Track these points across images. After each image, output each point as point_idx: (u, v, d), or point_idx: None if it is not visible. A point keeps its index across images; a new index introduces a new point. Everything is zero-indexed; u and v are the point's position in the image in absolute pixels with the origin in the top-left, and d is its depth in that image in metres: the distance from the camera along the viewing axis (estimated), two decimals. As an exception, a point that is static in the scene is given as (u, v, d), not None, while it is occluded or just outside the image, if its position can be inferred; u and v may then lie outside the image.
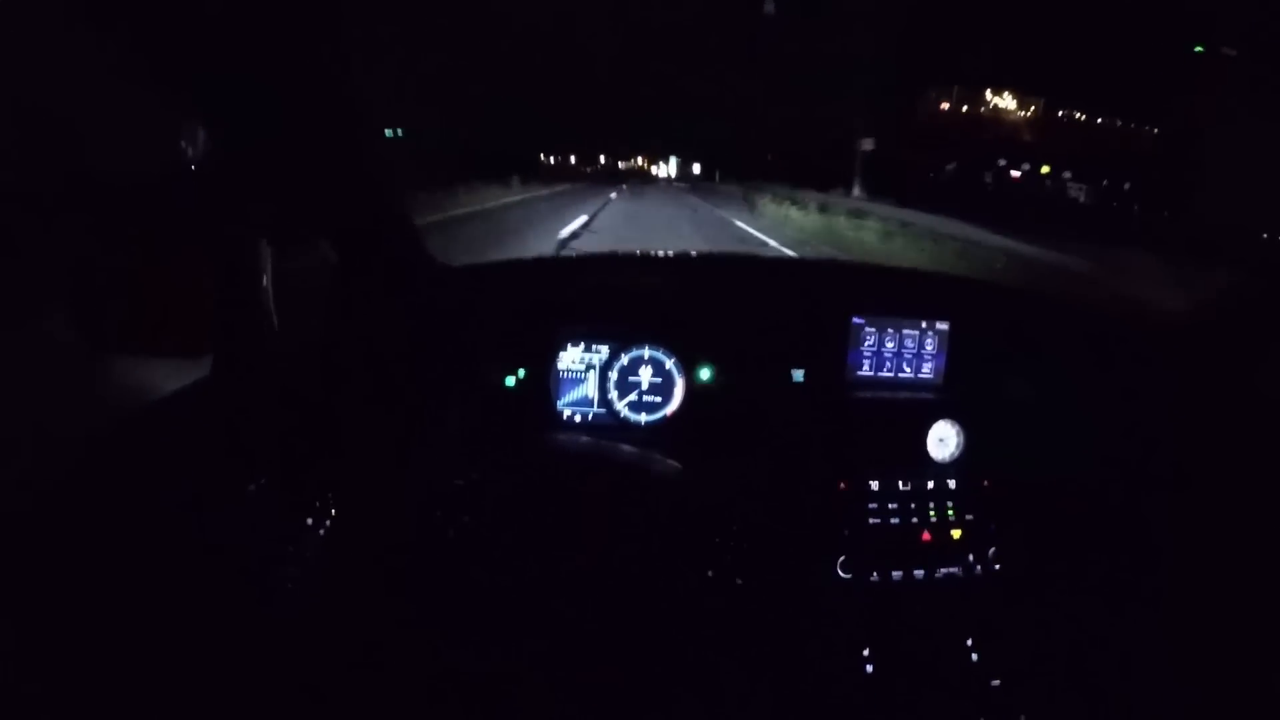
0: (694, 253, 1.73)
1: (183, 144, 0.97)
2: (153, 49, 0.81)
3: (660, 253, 1.72)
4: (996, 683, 1.30)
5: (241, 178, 0.99)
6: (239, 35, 0.83)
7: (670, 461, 1.23)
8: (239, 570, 0.92)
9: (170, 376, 0.97)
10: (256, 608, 0.93)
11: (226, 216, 0.98)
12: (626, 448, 1.23)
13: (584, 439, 1.27)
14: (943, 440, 1.44)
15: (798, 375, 1.45)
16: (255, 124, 0.95)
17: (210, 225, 0.96)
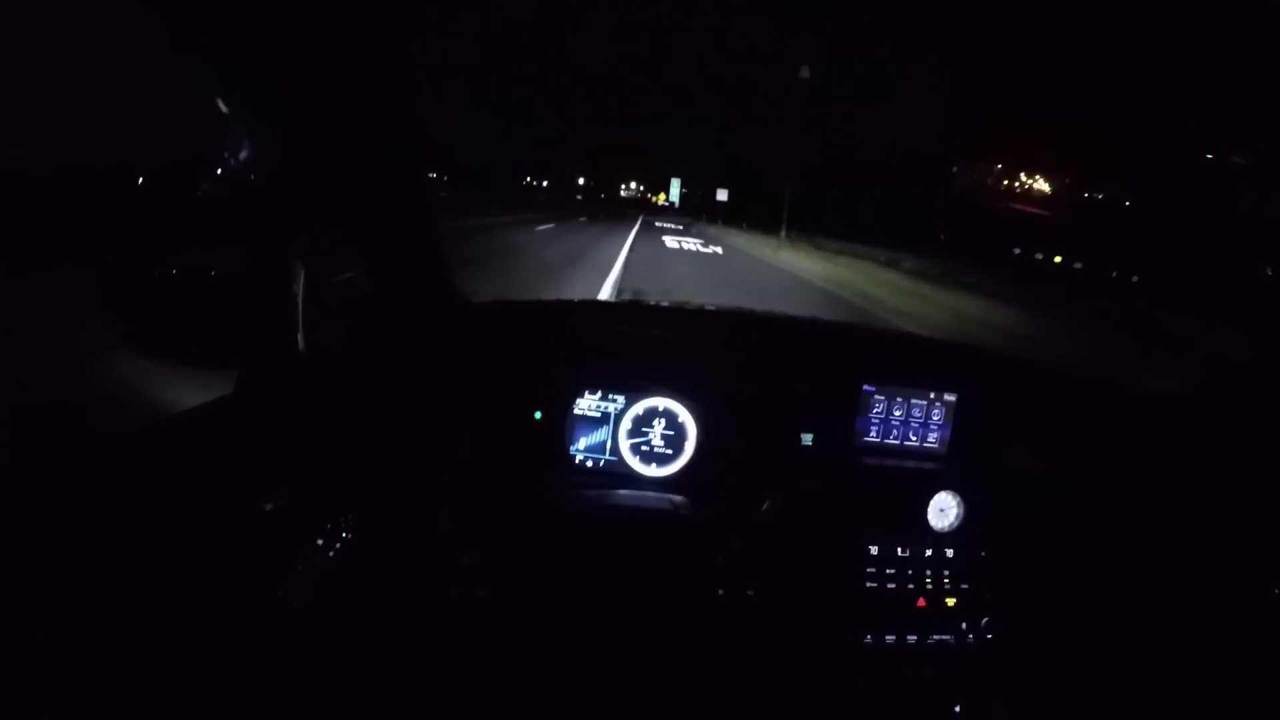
0: (714, 307, 1.80)
1: (227, 155, 1.04)
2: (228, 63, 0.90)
3: (681, 305, 1.80)
4: None
5: (283, 193, 1.08)
6: (301, 53, 0.92)
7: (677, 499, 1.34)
8: (249, 585, 0.97)
9: (197, 390, 1.02)
10: (264, 623, 0.98)
11: (264, 233, 1.05)
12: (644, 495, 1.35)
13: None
14: (943, 510, 1.52)
15: (807, 439, 1.53)
16: (304, 142, 1.03)
17: (249, 241, 1.03)
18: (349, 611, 1.11)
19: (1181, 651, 1.48)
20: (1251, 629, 1.45)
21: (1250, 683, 1.42)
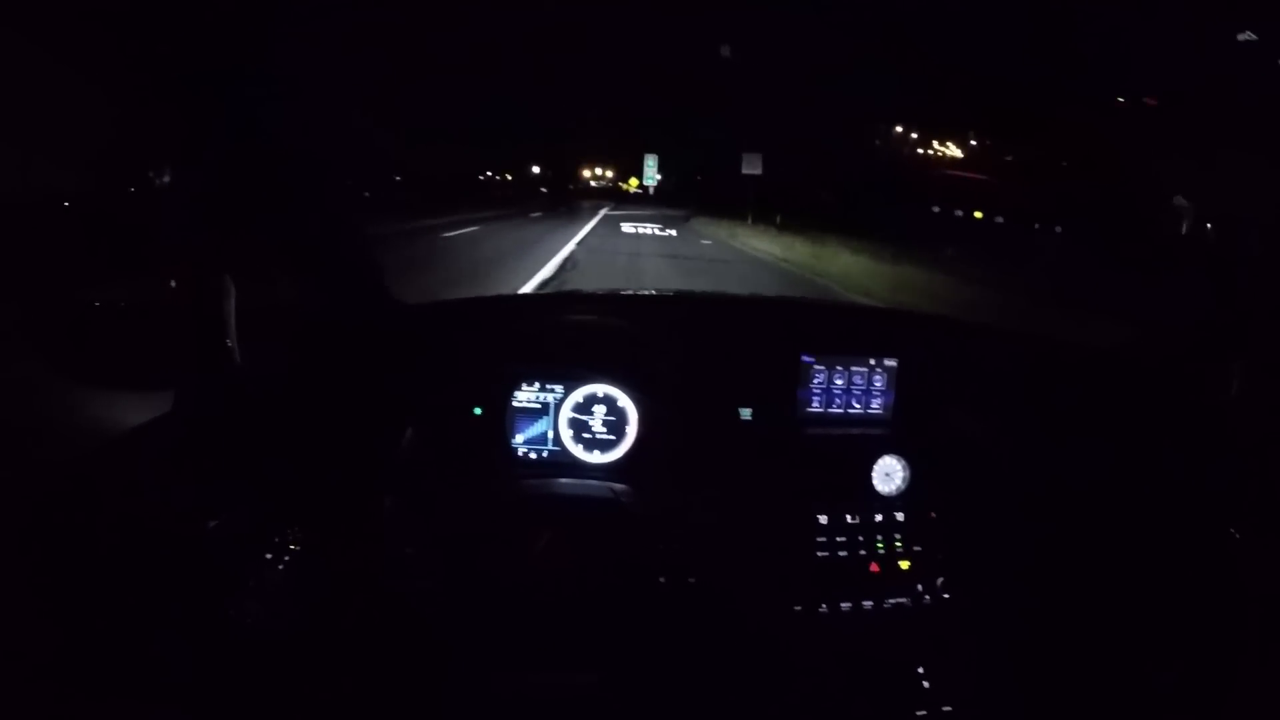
0: (647, 291, 1.84)
1: (151, 174, 1.08)
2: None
3: (614, 291, 1.85)
4: (949, 709, 1.42)
5: (209, 211, 1.11)
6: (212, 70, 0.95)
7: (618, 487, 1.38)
8: (200, 606, 1.01)
9: (132, 410, 1.05)
10: (217, 641, 1.02)
11: (193, 251, 1.08)
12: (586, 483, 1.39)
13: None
14: (889, 475, 1.58)
15: (745, 414, 1.58)
16: (225, 158, 1.07)
17: (178, 258, 1.06)
18: (302, 626, 1.14)
19: (1133, 598, 1.53)
20: (1197, 576, 1.50)
21: (1202, 630, 1.47)
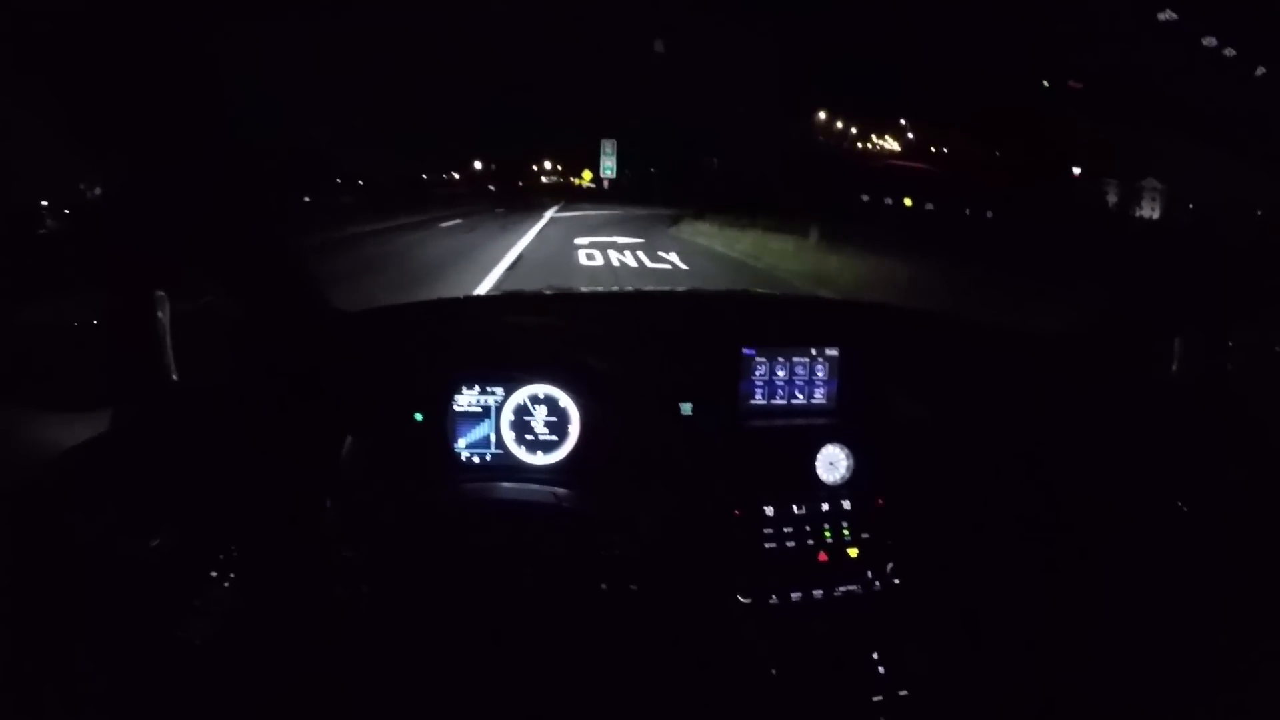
0: (585, 290, 1.86)
1: (83, 187, 1.08)
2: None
3: (554, 290, 1.85)
4: (904, 693, 1.44)
5: (137, 226, 1.11)
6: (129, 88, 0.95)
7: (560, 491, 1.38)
8: (148, 628, 1.01)
9: (67, 431, 1.04)
10: (168, 664, 1.03)
11: (123, 266, 1.08)
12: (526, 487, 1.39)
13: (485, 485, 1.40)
14: (832, 464, 1.61)
15: (686, 409, 1.59)
16: (150, 175, 1.06)
17: (112, 275, 1.06)
18: (252, 641, 1.15)
19: (1082, 575, 1.58)
20: (1144, 552, 1.54)
21: (1150, 603, 1.51)
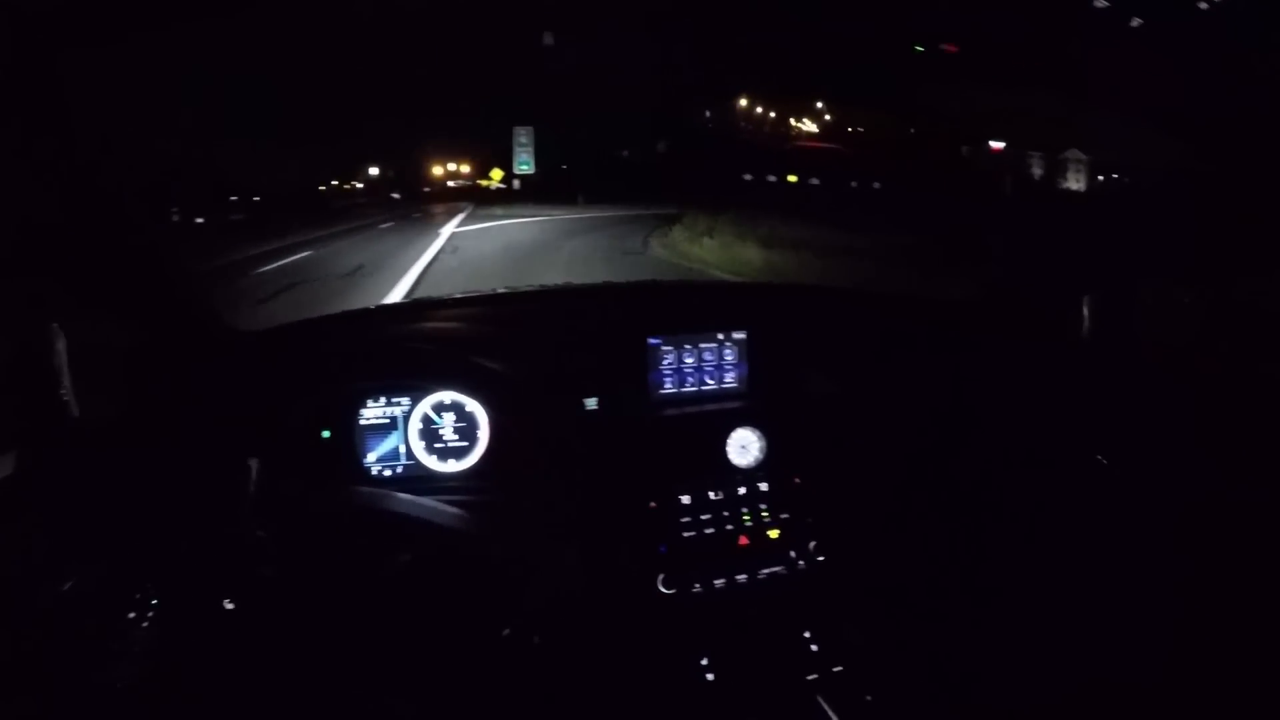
0: (489, 291, 1.85)
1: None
2: None
3: (449, 295, 1.84)
4: (839, 669, 1.47)
5: (21, 261, 1.08)
6: None
7: (455, 512, 1.36)
8: (65, 674, 1.00)
9: None
10: (90, 711, 1.01)
11: (12, 301, 1.07)
12: (422, 502, 1.36)
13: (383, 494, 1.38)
14: (744, 447, 1.63)
15: (591, 404, 1.60)
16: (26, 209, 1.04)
17: None
18: (173, 680, 1.13)
19: (1004, 536, 1.64)
20: (1067, 507, 1.61)
21: (1076, 559, 1.58)
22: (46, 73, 0.97)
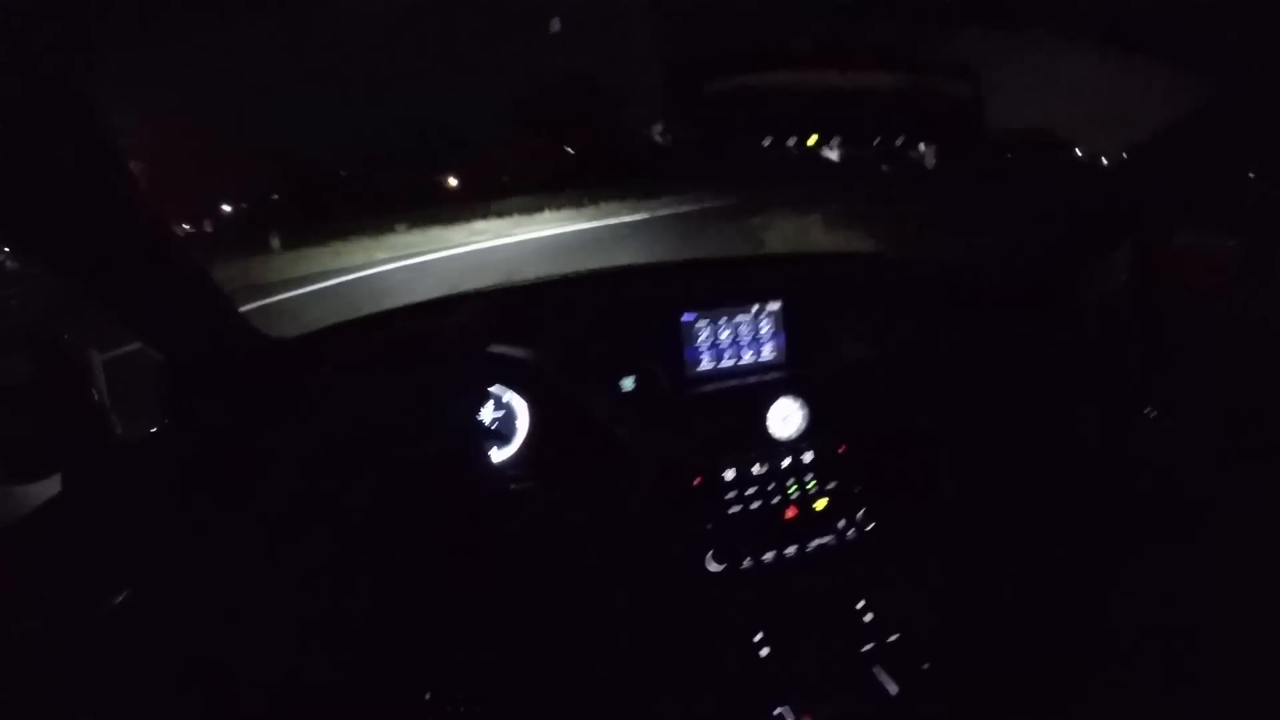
0: (509, 284, 1.83)
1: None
2: None
3: (479, 288, 1.82)
4: (894, 637, 1.50)
5: (61, 288, 1.09)
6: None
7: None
8: (116, 691, 1.03)
9: (18, 499, 1.08)
10: None
11: (52, 328, 1.10)
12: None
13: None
14: (786, 418, 1.64)
15: (627, 384, 1.61)
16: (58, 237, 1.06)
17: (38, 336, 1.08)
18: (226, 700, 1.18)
19: (1051, 501, 1.64)
20: (1114, 473, 1.60)
21: (1131, 511, 1.57)
22: (75, 83, 0.97)
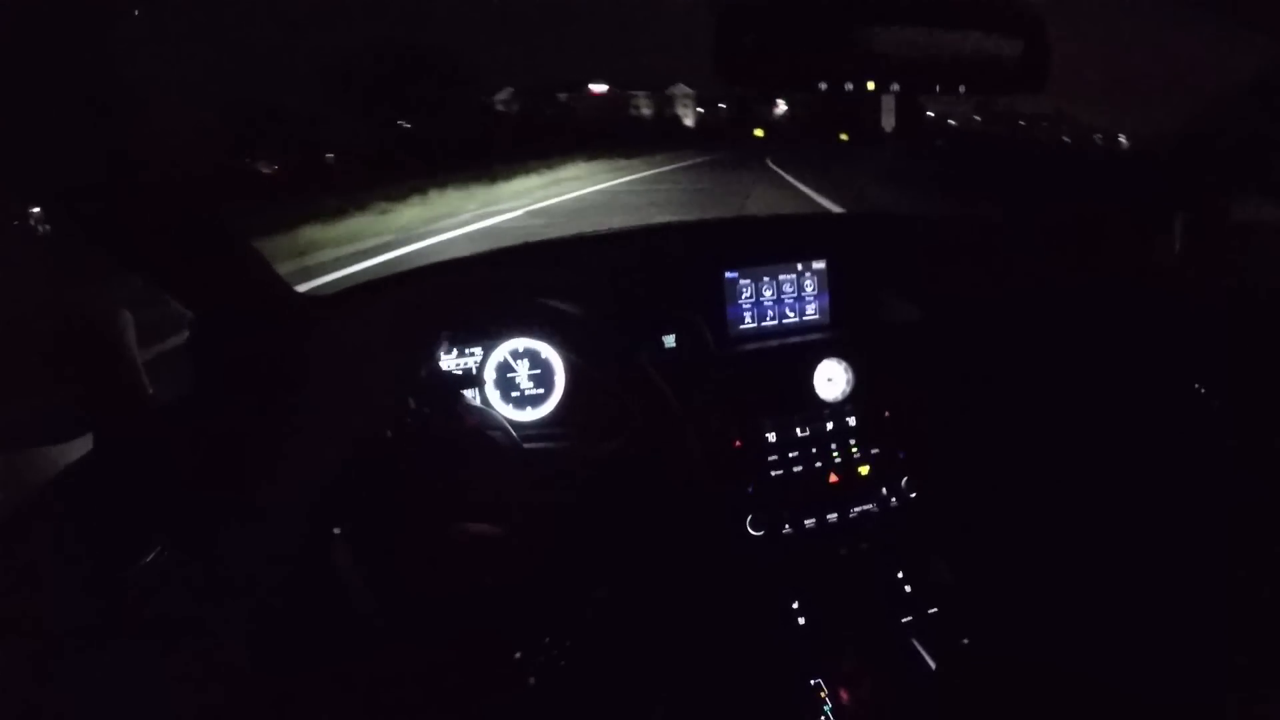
0: (552, 238, 1.82)
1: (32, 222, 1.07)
2: None
3: (519, 243, 1.81)
4: (934, 610, 1.48)
5: (91, 248, 1.10)
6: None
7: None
8: (151, 650, 1.03)
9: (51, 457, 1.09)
10: (178, 691, 1.04)
11: (85, 288, 1.10)
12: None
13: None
14: (831, 380, 1.62)
15: (669, 341, 1.59)
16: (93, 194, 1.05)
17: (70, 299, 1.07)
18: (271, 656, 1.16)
19: (1098, 474, 1.60)
20: (1162, 445, 1.56)
21: (1175, 489, 1.53)
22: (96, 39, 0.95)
